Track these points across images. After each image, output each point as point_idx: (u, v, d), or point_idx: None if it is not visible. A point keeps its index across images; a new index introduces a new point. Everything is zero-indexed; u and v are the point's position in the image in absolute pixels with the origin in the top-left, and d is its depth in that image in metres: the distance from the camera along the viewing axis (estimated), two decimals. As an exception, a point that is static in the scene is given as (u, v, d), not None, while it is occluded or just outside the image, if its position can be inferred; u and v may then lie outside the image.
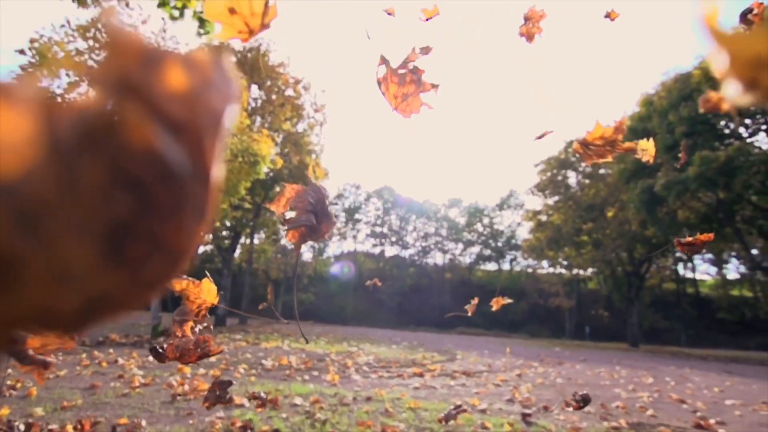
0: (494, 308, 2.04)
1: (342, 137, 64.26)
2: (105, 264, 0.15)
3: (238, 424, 3.27)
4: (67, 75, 9.21)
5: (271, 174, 17.09)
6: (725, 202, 18.22)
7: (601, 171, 26.46)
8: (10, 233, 0.14)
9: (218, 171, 0.18)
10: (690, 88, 17.72)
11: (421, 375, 6.66)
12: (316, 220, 1.03)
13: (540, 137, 2.42)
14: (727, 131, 18.27)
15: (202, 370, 5.74)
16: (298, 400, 4.24)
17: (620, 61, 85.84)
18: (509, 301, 2.07)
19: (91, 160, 0.15)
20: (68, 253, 0.15)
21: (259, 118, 15.93)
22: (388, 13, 1.80)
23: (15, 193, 0.14)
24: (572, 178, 28.30)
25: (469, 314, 2.26)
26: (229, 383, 1.46)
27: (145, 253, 0.16)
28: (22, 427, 2.71)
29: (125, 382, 4.75)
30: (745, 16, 1.93)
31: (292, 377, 5.75)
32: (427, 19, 1.75)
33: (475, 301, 2.12)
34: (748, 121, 17.94)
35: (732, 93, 0.31)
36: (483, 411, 4.33)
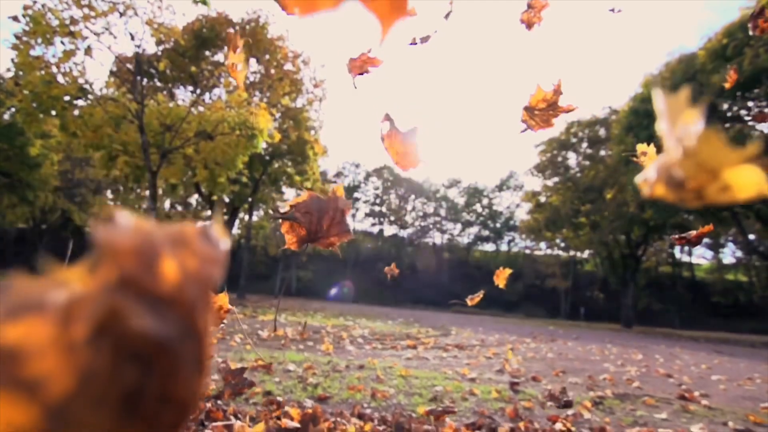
0: (497, 282, 2.05)
1: (342, 114, 63.73)
2: (124, 425, 0.19)
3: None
4: (62, 43, 9.11)
5: (270, 149, 17.03)
6: (724, 185, 18.17)
7: (602, 153, 26.38)
8: (44, 423, 0.18)
9: (208, 328, 0.22)
10: (694, 69, 17.52)
11: (414, 347, 6.78)
12: (321, 225, 1.05)
13: (523, 131, 2.42)
14: (729, 114, 18.15)
15: (198, 338, 5.83)
16: (291, 366, 4.33)
17: (625, 41, 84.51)
18: (510, 271, 2.09)
19: (101, 346, 0.19)
20: (93, 424, 0.19)
21: (258, 93, 15.78)
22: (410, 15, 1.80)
23: (44, 389, 0.18)
24: (572, 159, 28.23)
25: (470, 304, 2.29)
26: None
27: (157, 408, 0.21)
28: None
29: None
30: (756, 19, 1.90)
31: (287, 347, 5.85)
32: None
33: (480, 294, 2.13)
34: (750, 103, 17.80)
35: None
36: (472, 380, 4.42)
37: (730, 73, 2.37)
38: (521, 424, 2.55)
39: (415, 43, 2.06)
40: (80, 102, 9.51)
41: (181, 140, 10.32)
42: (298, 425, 2.02)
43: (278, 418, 2.13)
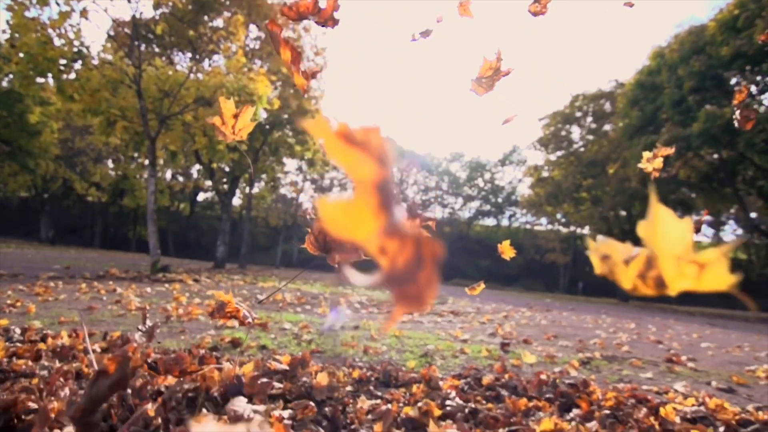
0: (503, 254, 2.05)
1: (344, 86, 62.82)
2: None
3: (227, 339, 3.42)
4: (57, 4, 8.93)
5: (270, 119, 16.88)
6: (727, 161, 18.07)
7: (606, 127, 26.09)
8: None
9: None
10: (703, 41, 17.13)
11: (409, 312, 6.89)
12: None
13: (506, 122, 2.41)
14: (736, 88, 17.83)
15: (197, 300, 5.94)
16: (287, 325, 4.42)
17: (634, 13, 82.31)
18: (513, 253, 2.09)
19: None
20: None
21: (257, 61, 15.53)
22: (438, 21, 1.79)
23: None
24: (576, 133, 27.95)
25: (469, 294, 2.31)
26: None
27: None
28: (18, 331, 2.84)
29: (122, 305, 4.92)
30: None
31: (284, 309, 5.96)
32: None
33: (481, 285, 2.14)
34: (758, 78, 17.48)
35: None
36: (464, 341, 4.52)
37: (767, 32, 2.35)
38: (506, 375, 2.63)
39: (416, 39, 2.03)
40: (77, 66, 9.39)
41: (179, 106, 10.22)
42: (286, 367, 2.08)
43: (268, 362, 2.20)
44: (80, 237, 33.30)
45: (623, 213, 26.09)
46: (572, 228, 34.76)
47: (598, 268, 0.45)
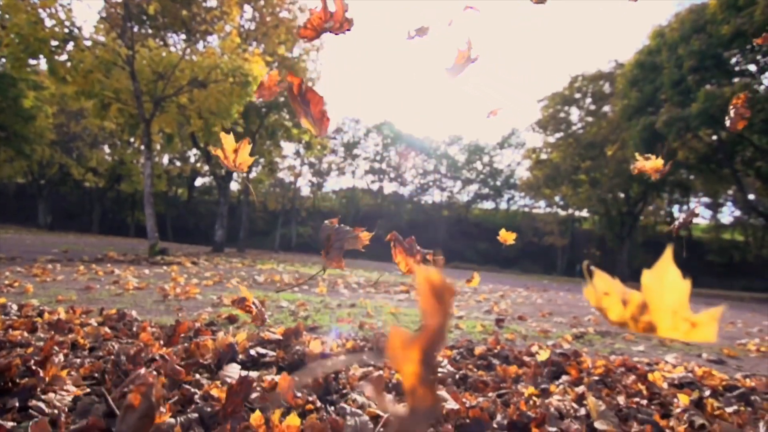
0: (503, 241, 2.04)
1: (341, 67, 62.15)
2: None
3: (224, 316, 3.46)
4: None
5: (268, 102, 16.72)
6: (726, 142, 18.03)
7: (605, 109, 25.94)
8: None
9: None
10: (704, 20, 16.92)
11: (407, 292, 6.94)
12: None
13: (491, 114, 2.39)
14: (737, 68, 17.69)
15: (195, 280, 5.97)
16: (284, 303, 4.46)
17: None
18: (514, 235, 2.07)
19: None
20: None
21: (253, 42, 15.32)
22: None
23: None
24: (575, 115, 27.79)
25: (467, 286, 2.30)
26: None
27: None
28: (15, 307, 2.86)
29: (120, 285, 4.95)
30: None
31: (282, 289, 5.99)
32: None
33: (477, 278, 2.13)
34: (759, 57, 17.31)
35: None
36: (460, 317, 4.56)
37: None
38: (498, 347, 2.66)
39: (412, 38, 2.00)
40: (69, 47, 9.25)
41: (173, 88, 10.11)
42: (280, 337, 2.11)
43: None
44: (78, 223, 33.28)
45: (621, 195, 26.12)
46: (570, 210, 34.83)
47: (592, 300, 0.49)
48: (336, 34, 1.24)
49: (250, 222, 31.29)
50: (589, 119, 26.79)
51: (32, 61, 8.84)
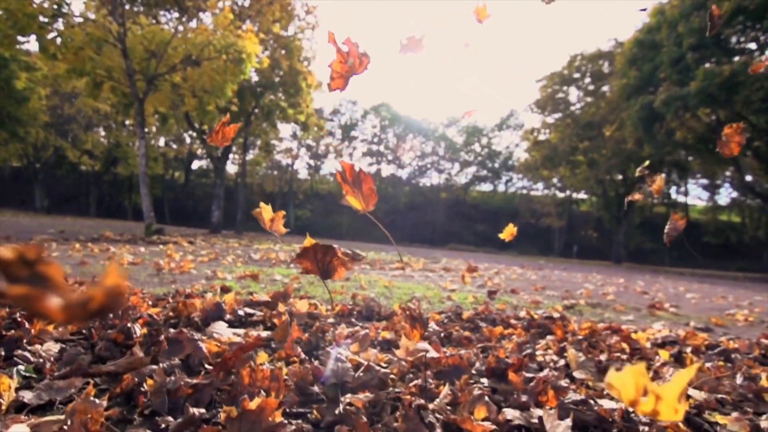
0: (505, 238, 2.01)
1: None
2: None
3: (218, 287, 3.48)
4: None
5: (262, 81, 16.55)
6: (725, 122, 17.95)
7: (604, 89, 25.74)
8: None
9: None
10: (705, -4, 16.67)
11: (402, 269, 6.98)
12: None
13: (466, 114, 2.34)
14: (737, 46, 17.51)
15: (190, 257, 5.99)
16: (277, 277, 4.49)
17: (639, -29, 79.62)
18: (515, 229, 2.05)
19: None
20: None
21: (247, 20, 15.07)
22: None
23: None
24: (573, 95, 27.59)
25: (464, 281, 2.29)
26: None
27: None
28: (7, 276, 2.87)
29: (115, 261, 4.96)
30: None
31: (277, 265, 6.02)
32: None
33: (467, 278, 2.11)
34: (760, 35, 17.12)
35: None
36: (452, 290, 4.60)
37: None
38: (487, 311, 2.69)
39: (405, 53, 1.96)
40: (59, 25, 9.09)
41: (166, 66, 9.97)
42: (269, 299, 2.13)
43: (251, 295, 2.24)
44: (75, 206, 33.20)
45: (619, 177, 26.10)
46: (568, 192, 34.85)
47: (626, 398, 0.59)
48: (359, 73, 1.25)
49: (248, 205, 31.24)
50: (588, 99, 26.61)
51: (22, 39, 8.70)
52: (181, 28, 10.68)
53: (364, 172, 1.18)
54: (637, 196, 2.06)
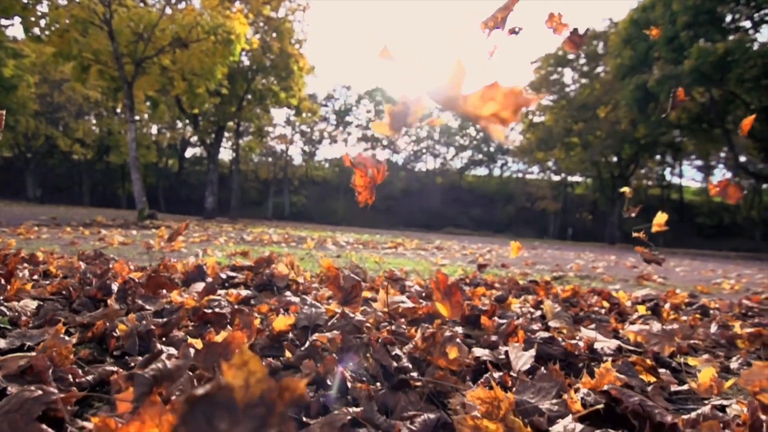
0: (513, 255, 2.00)
1: (331, 33, 60.60)
2: None
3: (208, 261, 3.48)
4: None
5: (254, 66, 16.37)
6: (718, 101, 17.92)
7: (598, 69, 25.61)
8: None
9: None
10: (700, -27, 16.51)
11: (395, 248, 7.01)
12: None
13: (430, 123, 2.31)
14: (732, 26, 17.40)
15: (181, 238, 5.98)
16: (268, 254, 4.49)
17: (635, -50, 78.67)
18: (519, 246, 2.04)
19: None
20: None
21: (236, 1, 14.83)
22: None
23: None
24: (568, 76, 27.44)
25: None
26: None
27: None
28: (-8, 251, 2.86)
29: (105, 242, 4.96)
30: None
31: (269, 245, 6.03)
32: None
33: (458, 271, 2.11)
34: (755, 13, 17.01)
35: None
36: (443, 265, 4.62)
37: None
38: (472, 273, 2.71)
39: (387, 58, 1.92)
40: (44, 7, 8.92)
41: (154, 49, 9.83)
42: (252, 264, 2.13)
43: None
44: (68, 195, 32.97)
45: (614, 158, 26.11)
46: (563, 175, 34.90)
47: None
48: (380, 181, 1.27)
49: (242, 192, 31.14)
50: (583, 81, 26.48)
51: (6, 22, 8.54)
52: (168, 9, 10.50)
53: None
54: (633, 214, 2.11)
